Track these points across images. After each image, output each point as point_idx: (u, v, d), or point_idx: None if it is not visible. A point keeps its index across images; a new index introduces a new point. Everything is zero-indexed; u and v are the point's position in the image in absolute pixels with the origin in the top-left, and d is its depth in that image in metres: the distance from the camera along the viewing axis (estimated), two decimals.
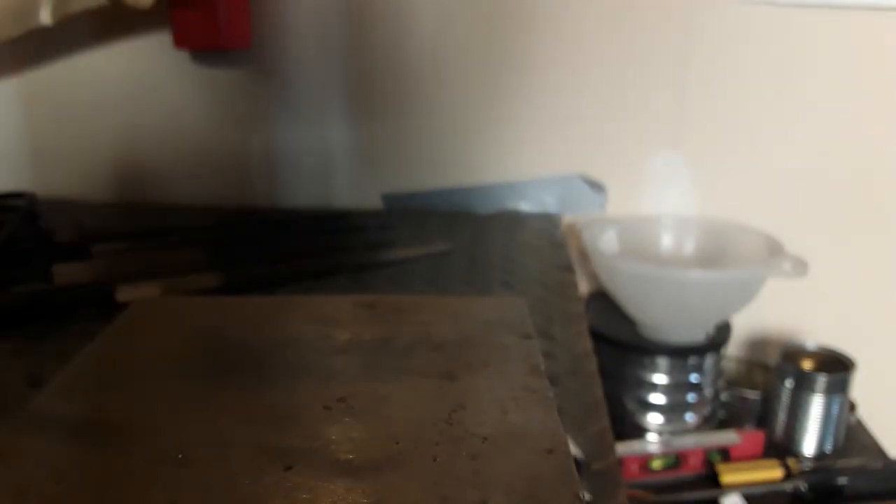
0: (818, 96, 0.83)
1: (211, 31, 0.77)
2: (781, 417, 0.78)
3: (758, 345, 0.93)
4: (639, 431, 0.80)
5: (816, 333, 0.89)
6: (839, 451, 0.78)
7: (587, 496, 0.33)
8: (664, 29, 0.82)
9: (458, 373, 0.30)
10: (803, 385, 0.76)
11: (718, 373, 0.81)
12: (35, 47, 0.86)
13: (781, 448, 0.78)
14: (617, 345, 0.79)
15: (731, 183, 0.87)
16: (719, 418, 0.84)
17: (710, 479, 0.73)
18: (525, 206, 0.89)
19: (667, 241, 0.87)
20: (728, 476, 0.71)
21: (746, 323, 0.91)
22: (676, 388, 0.79)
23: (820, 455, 0.77)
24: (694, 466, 0.74)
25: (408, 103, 0.86)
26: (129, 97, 0.81)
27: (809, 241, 0.84)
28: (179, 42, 0.79)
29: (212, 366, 0.32)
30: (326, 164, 0.88)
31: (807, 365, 0.79)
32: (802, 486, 0.70)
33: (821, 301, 0.88)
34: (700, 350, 0.79)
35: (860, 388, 0.79)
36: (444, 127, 0.87)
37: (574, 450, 0.36)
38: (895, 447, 0.80)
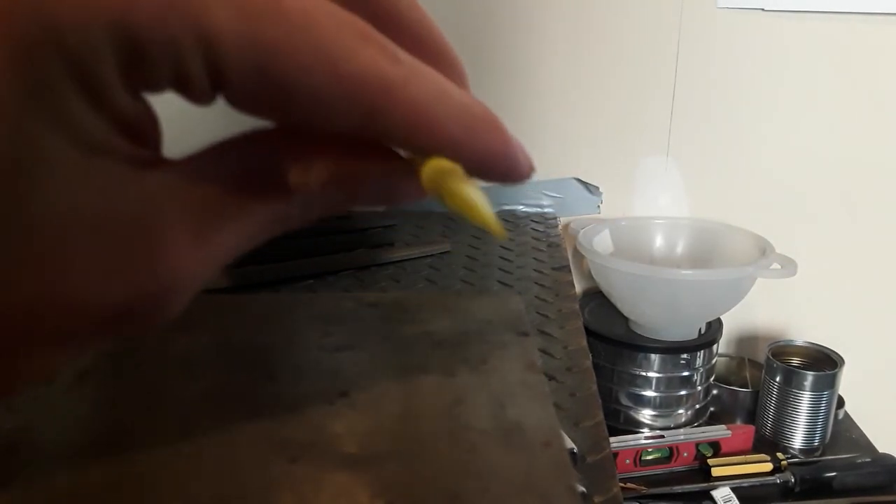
0: (806, 100, 0.84)
1: None
2: (771, 413, 0.79)
3: (748, 342, 0.94)
4: (632, 426, 0.81)
5: (805, 330, 0.90)
6: (828, 446, 0.79)
7: (582, 488, 0.34)
8: (655, 36, 0.83)
9: (457, 369, 0.30)
10: (792, 382, 0.77)
11: (710, 369, 0.82)
12: None
13: (771, 442, 0.79)
14: (611, 342, 0.80)
15: (720, 184, 0.88)
16: (710, 413, 0.85)
17: (702, 473, 0.74)
18: (522, 208, 0.90)
19: (659, 242, 0.88)
20: (719, 469, 0.73)
21: (737, 320, 0.92)
22: (669, 384, 0.80)
23: (809, 449, 0.78)
24: (686, 460, 0.75)
25: None
26: None
27: (798, 241, 0.85)
28: None
29: (218, 362, 0.31)
30: None
31: (795, 362, 0.81)
32: (791, 479, 0.71)
33: (809, 299, 0.89)
34: (692, 347, 0.80)
35: (848, 384, 0.80)
36: None
37: (569, 443, 0.36)
38: (883, 441, 0.81)
